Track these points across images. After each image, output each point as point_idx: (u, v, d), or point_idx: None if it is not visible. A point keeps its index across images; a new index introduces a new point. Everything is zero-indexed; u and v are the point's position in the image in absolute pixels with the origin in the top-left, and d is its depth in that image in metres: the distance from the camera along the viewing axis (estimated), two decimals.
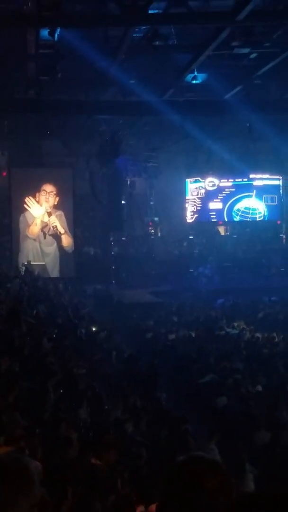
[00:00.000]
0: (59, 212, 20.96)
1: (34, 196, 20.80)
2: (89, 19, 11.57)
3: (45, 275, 19.83)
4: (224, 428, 8.97)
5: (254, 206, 22.35)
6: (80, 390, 9.16)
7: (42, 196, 20.76)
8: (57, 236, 20.83)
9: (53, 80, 14.88)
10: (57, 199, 20.86)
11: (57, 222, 20.80)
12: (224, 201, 22.36)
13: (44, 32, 11.58)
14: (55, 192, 20.86)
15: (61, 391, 8.87)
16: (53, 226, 20.72)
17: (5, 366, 9.03)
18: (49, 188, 20.86)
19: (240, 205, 22.36)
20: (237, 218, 22.51)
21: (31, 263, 19.76)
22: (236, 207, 22.36)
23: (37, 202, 20.76)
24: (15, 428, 6.41)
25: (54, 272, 20.69)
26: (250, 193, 22.37)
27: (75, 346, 11.67)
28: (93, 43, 12.67)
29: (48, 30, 11.34)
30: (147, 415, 8.92)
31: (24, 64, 14.10)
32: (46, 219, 20.79)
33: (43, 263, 20.47)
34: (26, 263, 19.61)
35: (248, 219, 22.42)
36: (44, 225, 20.78)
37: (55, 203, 20.89)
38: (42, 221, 20.77)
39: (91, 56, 13.15)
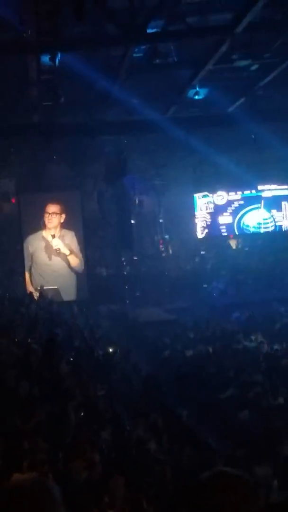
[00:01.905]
0: (65, 232, 20.89)
1: (42, 220, 20.85)
2: (88, 42, 11.68)
3: (58, 298, 19.80)
4: (247, 442, 8.83)
5: (265, 218, 22.27)
6: (100, 412, 9.07)
7: (46, 218, 20.79)
8: (64, 258, 20.81)
9: (56, 104, 15.02)
10: (63, 216, 20.82)
11: (60, 245, 20.76)
12: (234, 214, 22.29)
13: (45, 58, 11.72)
14: (58, 212, 20.83)
15: (82, 414, 8.79)
16: (56, 249, 20.69)
17: (25, 390, 8.99)
18: (51, 209, 20.86)
19: (250, 219, 22.26)
20: (250, 231, 22.39)
21: (44, 287, 19.74)
22: (245, 221, 22.28)
23: (44, 225, 20.79)
24: (38, 453, 6.34)
25: (68, 295, 20.63)
26: (258, 205, 22.29)
27: (93, 368, 11.59)
28: (94, 65, 12.79)
29: (49, 55, 11.48)
30: (169, 433, 8.81)
31: (26, 90, 14.24)
32: (51, 240, 20.80)
33: (56, 287, 20.43)
34: (39, 287, 19.61)
35: (260, 232, 22.30)
36: (50, 248, 20.79)
37: (61, 221, 20.87)
38: (47, 245, 20.78)
39: (93, 77, 13.27)
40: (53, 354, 10.76)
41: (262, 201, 22.15)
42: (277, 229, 22.29)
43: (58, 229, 20.87)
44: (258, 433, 9.12)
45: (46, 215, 20.80)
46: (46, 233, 20.82)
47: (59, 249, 20.71)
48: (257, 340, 13.99)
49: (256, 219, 22.22)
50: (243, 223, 22.28)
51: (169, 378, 12.23)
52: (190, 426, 9.57)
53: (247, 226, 22.27)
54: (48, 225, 20.80)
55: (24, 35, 10.81)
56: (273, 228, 22.22)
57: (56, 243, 20.77)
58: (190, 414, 10.55)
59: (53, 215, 20.83)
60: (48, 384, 9.49)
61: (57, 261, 20.81)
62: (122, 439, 8.23)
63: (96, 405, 9.38)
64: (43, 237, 20.81)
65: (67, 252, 20.80)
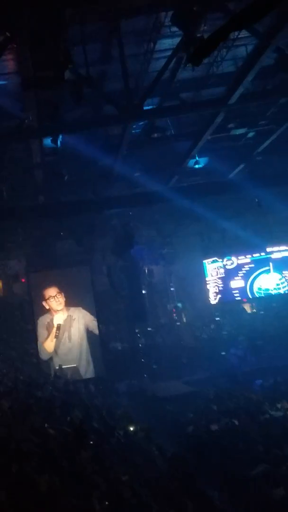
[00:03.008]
0: (73, 310, 20.69)
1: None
2: (88, 123, 12.03)
3: (77, 376, 19.41)
4: None
5: (277, 280, 22.06)
6: (125, 500, 8.60)
7: (50, 302, 20.63)
8: (78, 334, 20.52)
9: (60, 183, 15.28)
10: (63, 295, 20.65)
11: (70, 322, 20.53)
12: (245, 278, 22.12)
13: (47, 140, 12.02)
14: (59, 292, 20.69)
15: (107, 503, 8.34)
16: (67, 327, 20.45)
17: (45, 483, 8.58)
18: (51, 292, 20.74)
19: (261, 282, 22.07)
20: (263, 294, 22.15)
21: (63, 366, 19.41)
22: (258, 285, 22.09)
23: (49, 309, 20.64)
24: None
25: (85, 373, 20.21)
26: (267, 268, 22.14)
27: (115, 451, 11.13)
28: (95, 143, 13.11)
29: (51, 138, 11.76)
30: None
31: (31, 172, 14.54)
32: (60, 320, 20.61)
33: (75, 365, 20.07)
34: (57, 367, 19.29)
35: (273, 294, 22.05)
36: (61, 327, 20.54)
37: (63, 301, 20.70)
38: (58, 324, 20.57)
39: (95, 155, 13.56)
40: (83, 444, 10.40)
41: (271, 264, 22.03)
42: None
43: (63, 308, 20.68)
44: None
45: (50, 299, 20.64)
46: (52, 315, 20.65)
47: (70, 324, 20.49)
48: (284, 408, 13.47)
49: (268, 282, 22.02)
50: (256, 287, 22.07)
51: (194, 456, 11.70)
52: (223, 508, 9.03)
53: (259, 289, 22.05)
54: (58, 307, 20.63)
55: (26, 121, 11.12)
56: (286, 289, 21.97)
57: (67, 321, 20.55)
58: (221, 494, 10.01)
59: (58, 296, 20.68)
60: (69, 474, 9.07)
61: (71, 339, 20.54)
62: None
63: (121, 493, 8.91)
64: (52, 318, 20.63)
65: (81, 328, 20.55)
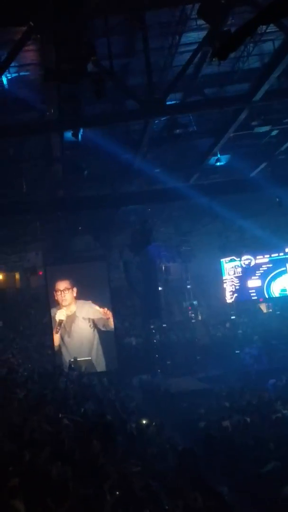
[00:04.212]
0: (82, 303, 20.76)
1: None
2: (110, 117, 11.99)
3: (92, 369, 19.52)
4: None
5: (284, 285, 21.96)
6: (136, 491, 8.65)
7: (59, 296, 20.73)
8: (89, 327, 20.60)
9: (80, 178, 15.34)
10: (75, 290, 20.75)
11: (81, 315, 20.61)
12: (263, 278, 22.05)
13: (68, 134, 12.03)
14: (69, 287, 20.77)
15: (117, 493, 8.40)
16: (79, 320, 20.53)
17: (58, 471, 8.66)
18: (61, 286, 20.83)
19: (279, 283, 21.98)
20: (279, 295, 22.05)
21: (77, 359, 19.53)
22: (275, 286, 21.99)
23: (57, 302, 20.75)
24: None
25: (98, 366, 20.32)
26: (284, 268, 22.01)
27: (127, 443, 11.20)
28: (115, 138, 13.11)
29: (71, 131, 11.78)
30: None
31: (51, 166, 14.60)
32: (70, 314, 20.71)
33: (89, 358, 20.18)
34: (72, 359, 19.41)
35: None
36: (73, 320, 20.65)
37: (74, 295, 20.78)
38: (70, 318, 20.68)
39: (115, 151, 13.56)
40: (95, 435, 10.46)
41: (287, 264, 21.93)
42: None
43: (73, 302, 20.76)
44: None
45: (59, 292, 20.75)
46: (63, 309, 20.75)
47: (80, 318, 20.60)
48: None
49: (285, 283, 21.92)
50: (279, 288, 21.99)
51: (205, 451, 11.72)
52: (232, 504, 9.04)
53: (283, 290, 21.97)
54: (63, 302, 20.73)
55: (47, 114, 11.18)
56: None
57: (70, 317, 20.64)
58: (231, 490, 10.03)
59: (65, 291, 20.77)
60: (82, 463, 9.15)
61: (84, 332, 20.65)
62: None
63: (132, 484, 8.97)
64: (64, 312, 20.75)
65: (88, 323, 20.62)
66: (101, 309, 20.78)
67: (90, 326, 20.65)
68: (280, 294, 21.94)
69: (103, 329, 20.68)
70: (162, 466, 10.41)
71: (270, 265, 22.04)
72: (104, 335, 20.67)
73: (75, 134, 11.80)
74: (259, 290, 21.95)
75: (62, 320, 20.57)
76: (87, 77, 9.01)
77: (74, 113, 11.14)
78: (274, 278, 21.99)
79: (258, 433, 11.93)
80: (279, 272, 22.02)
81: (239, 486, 10.37)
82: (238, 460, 11.08)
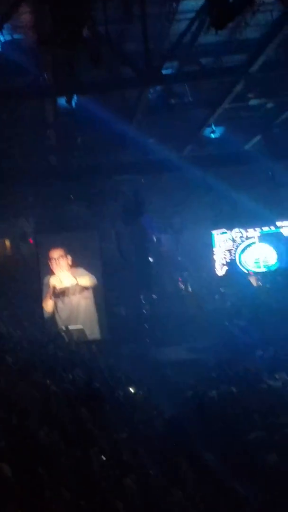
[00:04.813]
0: (75, 270, 20.77)
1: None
2: (105, 85, 11.86)
3: (83, 338, 19.63)
4: (276, 486, 8.51)
5: (263, 255, 22.04)
6: (123, 457, 8.82)
7: (53, 264, 20.72)
8: (82, 294, 20.66)
9: (73, 146, 15.23)
10: (69, 258, 20.75)
11: (73, 282, 20.64)
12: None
13: (62, 100, 11.91)
14: (63, 255, 20.76)
15: (104, 458, 8.55)
16: (71, 287, 20.56)
17: (46, 436, 8.78)
18: (55, 254, 20.81)
19: (247, 257, 22.10)
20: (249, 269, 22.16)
21: (69, 327, 19.62)
22: (244, 259, 22.11)
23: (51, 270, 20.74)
24: (59, 503, 6.13)
25: (90, 335, 20.41)
26: (253, 240, 22.05)
27: (114, 410, 11.36)
28: (110, 107, 12.99)
29: (65, 98, 11.65)
30: (195, 478, 8.52)
31: (44, 132, 14.47)
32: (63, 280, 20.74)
33: (81, 327, 20.28)
34: (64, 328, 19.50)
35: (261, 270, 22.07)
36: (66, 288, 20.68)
37: (69, 263, 20.78)
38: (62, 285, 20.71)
39: (109, 119, 13.45)
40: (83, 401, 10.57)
41: (257, 237, 21.98)
42: (279, 265, 21.96)
43: (67, 270, 20.76)
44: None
45: (53, 260, 20.73)
46: (57, 276, 20.76)
47: (74, 285, 20.63)
48: (282, 379, 13.66)
49: (255, 256, 22.04)
50: (243, 260, 22.10)
51: (192, 420, 11.93)
52: (217, 470, 9.26)
53: (245, 263, 22.13)
54: (57, 270, 20.73)
55: (40, 79, 11.03)
56: (273, 264, 21.94)
57: (69, 282, 20.65)
58: (216, 457, 10.25)
59: (60, 259, 20.75)
60: (69, 429, 9.28)
61: (77, 301, 20.73)
62: (146, 486, 7.96)
63: (119, 450, 9.13)
64: (51, 279, 20.76)
65: (82, 291, 20.65)
66: (93, 278, 20.83)
67: (83, 295, 20.71)
68: (255, 265, 21.99)
69: (95, 298, 20.76)
70: (149, 433, 10.60)
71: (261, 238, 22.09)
72: (95, 305, 20.76)
73: (68, 101, 11.68)
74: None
75: (55, 287, 20.60)
76: (83, 43, 8.87)
77: (68, 78, 11.00)
78: (243, 250, 22.04)
79: (244, 403, 12.16)
80: (248, 244, 22.08)
81: (225, 453, 10.60)
82: (224, 429, 11.30)
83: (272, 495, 8.26)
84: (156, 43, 10.68)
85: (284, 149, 16.44)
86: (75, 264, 20.80)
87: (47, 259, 20.89)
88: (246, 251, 22.06)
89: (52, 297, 20.65)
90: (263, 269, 22.09)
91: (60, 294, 20.69)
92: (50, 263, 20.75)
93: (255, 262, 22.03)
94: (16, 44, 10.68)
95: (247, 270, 22.25)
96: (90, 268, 20.92)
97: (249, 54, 10.59)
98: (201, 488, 8.18)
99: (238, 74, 11.09)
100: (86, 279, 20.82)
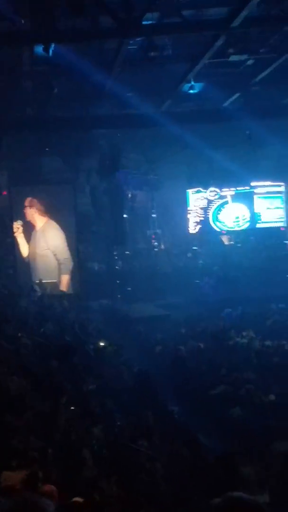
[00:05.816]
0: (49, 227, 20.61)
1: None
2: (83, 34, 11.52)
3: (57, 292, 19.63)
4: (239, 439, 8.81)
5: (241, 213, 22.15)
6: (91, 408, 9.00)
7: (27, 214, 20.47)
8: (51, 253, 20.56)
9: (49, 97, 14.88)
10: (43, 210, 20.51)
11: (42, 241, 20.50)
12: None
13: (39, 48, 11.57)
14: (39, 208, 20.51)
15: (72, 408, 8.72)
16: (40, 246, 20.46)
17: (16, 386, 8.89)
18: (28, 202, 20.50)
19: (225, 215, 22.20)
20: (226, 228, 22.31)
21: (43, 281, 19.57)
22: (220, 218, 22.21)
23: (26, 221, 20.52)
24: (28, 450, 6.26)
25: (65, 289, 20.40)
26: (226, 200, 22.12)
27: (84, 363, 11.52)
28: (88, 58, 12.65)
29: (43, 46, 11.32)
30: (160, 429, 8.76)
31: (20, 82, 14.09)
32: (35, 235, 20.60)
33: (55, 280, 20.24)
34: (38, 281, 19.44)
35: (242, 228, 22.22)
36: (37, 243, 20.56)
37: (43, 216, 20.56)
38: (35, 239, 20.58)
39: (87, 70, 13.11)
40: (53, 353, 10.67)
41: (229, 197, 22.05)
42: (252, 225, 22.13)
43: (41, 222, 20.54)
44: (250, 430, 9.10)
45: (26, 208, 20.46)
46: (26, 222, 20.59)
47: (48, 240, 20.49)
48: (249, 336, 13.96)
49: (231, 215, 22.15)
50: (220, 219, 22.20)
51: (160, 374, 12.17)
52: (181, 422, 9.52)
53: (222, 222, 22.26)
54: (31, 220, 20.50)
55: (17, 25, 10.66)
56: (247, 224, 22.12)
57: (38, 240, 20.48)
58: (182, 410, 10.52)
59: (33, 210, 20.50)
60: (39, 380, 9.41)
61: (50, 254, 20.61)
62: (113, 436, 8.17)
63: (87, 401, 9.31)
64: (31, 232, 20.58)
65: (51, 249, 20.51)
66: (66, 232, 20.71)
67: (55, 247, 20.59)
68: (235, 224, 22.11)
69: (68, 252, 20.69)
70: (118, 386, 10.81)
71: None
72: (68, 259, 20.70)
73: (46, 49, 11.35)
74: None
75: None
76: None
77: (46, 26, 10.67)
78: (219, 209, 22.09)
79: (211, 358, 12.44)
80: (222, 203, 22.15)
81: (190, 406, 10.89)
82: (191, 383, 11.57)
83: (233, 446, 8.56)
84: None
85: (263, 108, 16.34)
86: (49, 217, 20.62)
87: (21, 211, 20.66)
88: (223, 210, 22.11)
89: (28, 250, 20.47)
90: (244, 227, 22.18)
91: (32, 246, 20.53)
92: (24, 213, 20.51)
93: (235, 221, 22.09)
94: None
95: (220, 229, 22.37)
96: (64, 222, 20.78)
97: (232, 8, 10.37)
98: (165, 439, 8.42)
99: (219, 28, 10.84)
100: (59, 234, 20.61)
